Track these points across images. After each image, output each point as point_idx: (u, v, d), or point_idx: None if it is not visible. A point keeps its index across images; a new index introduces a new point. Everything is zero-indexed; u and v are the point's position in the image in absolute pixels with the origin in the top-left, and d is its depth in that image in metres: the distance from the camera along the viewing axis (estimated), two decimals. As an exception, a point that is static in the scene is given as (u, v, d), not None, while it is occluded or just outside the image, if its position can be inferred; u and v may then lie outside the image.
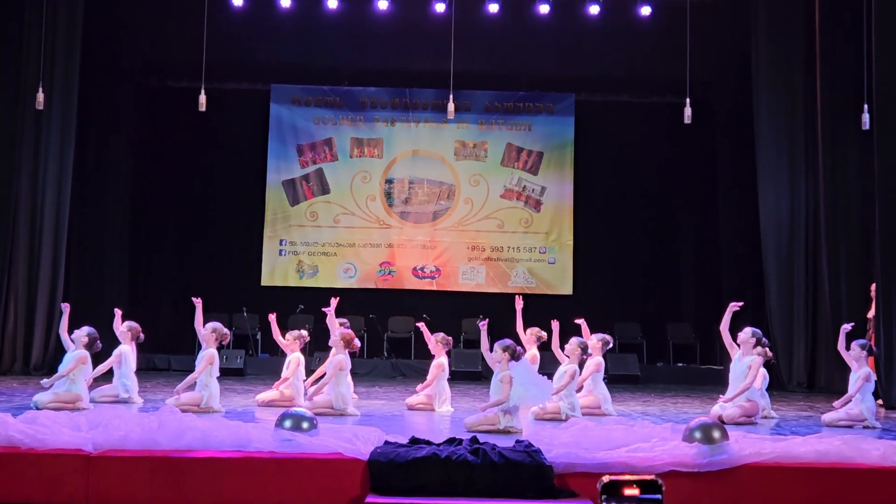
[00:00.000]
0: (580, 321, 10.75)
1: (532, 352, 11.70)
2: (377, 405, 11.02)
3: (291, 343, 10.58)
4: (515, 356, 8.50)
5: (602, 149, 18.19)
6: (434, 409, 10.34)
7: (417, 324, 10.97)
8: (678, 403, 12.13)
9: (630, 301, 17.92)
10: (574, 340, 9.86)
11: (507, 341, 8.59)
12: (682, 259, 18.36)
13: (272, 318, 11.13)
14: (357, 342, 9.91)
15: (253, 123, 18.15)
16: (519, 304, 10.51)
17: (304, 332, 10.84)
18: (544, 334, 11.75)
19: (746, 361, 9.38)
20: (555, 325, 10.54)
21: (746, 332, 9.41)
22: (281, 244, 18.10)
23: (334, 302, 10.99)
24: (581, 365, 9.95)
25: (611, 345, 10.58)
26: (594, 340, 10.31)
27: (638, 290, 18.05)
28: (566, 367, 9.76)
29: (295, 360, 10.47)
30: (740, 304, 9.50)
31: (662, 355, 17.40)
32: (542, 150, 18.31)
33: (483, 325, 8.85)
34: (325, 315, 10.50)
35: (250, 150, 18.20)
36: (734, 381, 9.35)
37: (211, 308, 17.48)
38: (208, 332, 9.72)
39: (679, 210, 18.32)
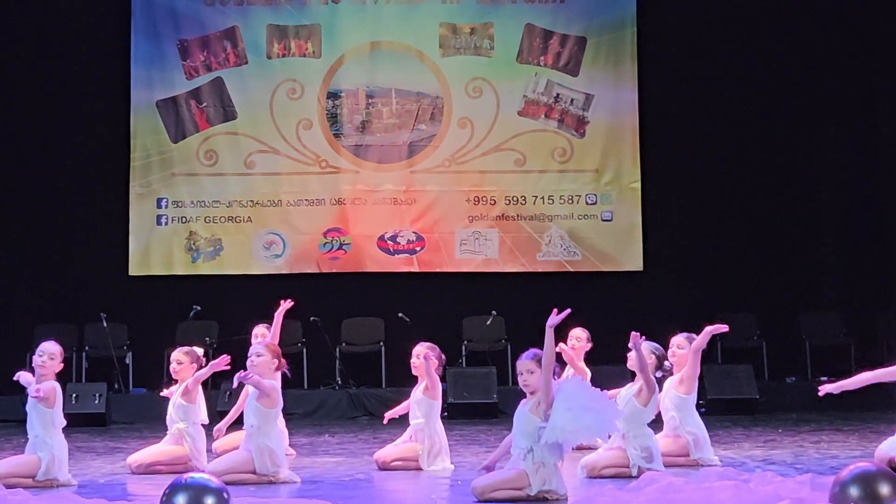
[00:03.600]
0: (638, 340, 10.53)
1: (578, 365, 11.76)
2: (328, 464, 10.98)
3: (184, 367, 10.58)
4: (556, 372, 8.55)
5: (685, 29, 18.14)
6: (421, 467, 10.35)
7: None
8: (822, 442, 12.11)
9: (740, 280, 17.94)
10: (645, 346, 9.89)
11: (537, 351, 8.59)
12: (824, 213, 18.39)
13: (285, 306, 11.41)
14: (284, 362, 9.90)
15: (106, 7, 18.09)
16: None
17: (200, 351, 10.81)
18: (586, 338, 11.89)
19: None
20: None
21: None
22: (159, 206, 18.05)
23: (286, 305, 10.96)
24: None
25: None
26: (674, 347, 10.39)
27: (752, 262, 18.07)
28: (635, 388, 9.79)
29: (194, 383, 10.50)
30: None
31: (794, 366, 17.47)
32: (583, 33, 18.25)
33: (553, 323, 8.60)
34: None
35: (101, 54, 18.11)
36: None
37: (45, 316, 17.71)
38: (56, 358, 9.70)
39: (815, 130, 18.29)
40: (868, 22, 17.81)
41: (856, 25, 17.91)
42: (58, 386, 9.62)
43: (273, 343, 10.36)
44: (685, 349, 10.32)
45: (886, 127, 17.61)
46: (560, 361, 9.22)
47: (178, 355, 10.69)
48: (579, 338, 11.95)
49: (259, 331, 12.03)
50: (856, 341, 17.29)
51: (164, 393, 10.88)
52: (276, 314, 11.36)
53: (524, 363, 8.50)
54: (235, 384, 10.32)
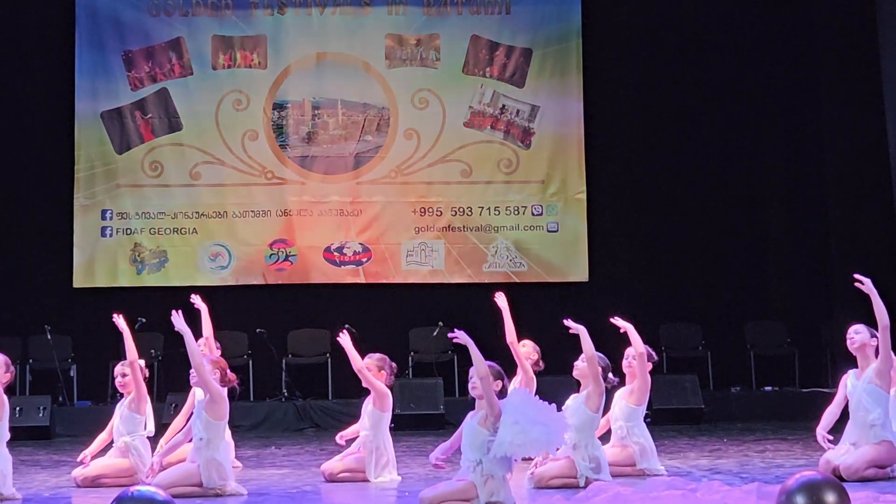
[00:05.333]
0: (620, 323, 10.73)
1: (527, 374, 11.80)
2: (275, 476, 10.98)
3: (128, 379, 10.55)
4: (502, 378, 8.57)
5: (630, 40, 18.24)
6: (368, 479, 10.35)
7: (338, 336, 10.97)
8: (767, 451, 12.21)
9: (684, 290, 18.05)
10: (587, 351, 9.92)
11: (492, 364, 8.62)
12: (769, 224, 18.52)
13: (200, 305, 11.31)
14: (232, 375, 9.89)
15: (49, 17, 18.01)
16: (501, 300, 10.53)
17: (142, 362, 10.81)
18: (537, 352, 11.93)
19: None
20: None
21: None
22: (104, 218, 17.96)
23: (199, 304, 10.99)
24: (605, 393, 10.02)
25: (654, 361, 10.65)
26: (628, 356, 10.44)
27: (697, 272, 18.17)
28: (583, 395, 9.83)
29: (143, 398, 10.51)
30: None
31: (739, 375, 17.58)
32: (529, 45, 18.31)
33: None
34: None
35: (45, 64, 18.04)
36: None
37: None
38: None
39: (761, 140, 18.43)
40: (813, 32, 17.93)
41: (801, 35, 18.03)
42: (4, 398, 9.56)
43: (219, 358, 10.27)
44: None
45: (832, 136, 17.71)
46: (510, 367, 9.21)
47: (122, 368, 10.68)
48: (528, 354, 11.97)
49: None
50: (800, 351, 17.41)
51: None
52: (201, 317, 11.30)
53: (474, 377, 8.53)
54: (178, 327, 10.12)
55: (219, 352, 11.30)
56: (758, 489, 6.98)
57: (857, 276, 9.71)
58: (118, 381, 10.70)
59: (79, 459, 10.60)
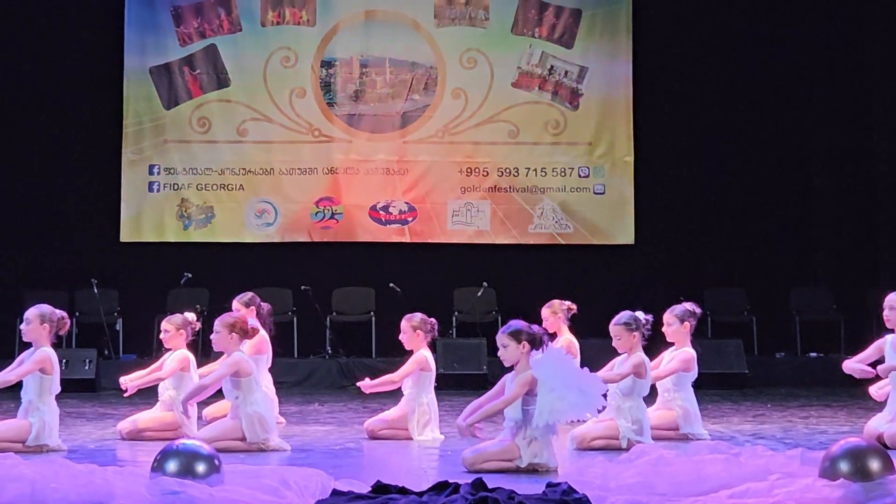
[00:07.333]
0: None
1: (566, 337, 11.75)
2: (318, 433, 11.02)
3: (172, 335, 10.60)
4: (537, 343, 8.51)
5: (683, 4, 18.12)
6: (411, 437, 10.38)
7: (359, 383, 10.96)
8: (811, 417, 12.18)
9: (730, 254, 18.00)
10: (624, 315, 9.89)
11: (519, 323, 8.59)
12: (816, 189, 18.43)
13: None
14: (252, 325, 9.92)
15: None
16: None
17: (191, 316, 10.83)
18: (574, 306, 11.84)
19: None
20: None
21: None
22: (151, 173, 18.04)
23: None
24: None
25: (696, 318, 10.57)
26: (670, 315, 10.38)
27: (743, 237, 18.11)
28: (627, 360, 9.80)
29: (177, 359, 10.50)
30: None
31: (784, 341, 17.53)
32: (579, 5, 18.23)
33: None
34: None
35: (94, 19, 18.07)
36: None
37: (38, 282, 17.68)
38: (33, 320, 9.69)
39: (809, 106, 18.30)
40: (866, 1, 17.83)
41: (850, 2, 17.89)
42: (52, 353, 9.61)
43: (231, 316, 10.14)
44: (673, 325, 10.34)
45: (880, 102, 17.62)
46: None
47: (165, 324, 10.74)
48: (566, 309, 11.95)
49: (236, 305, 11.90)
50: (846, 317, 17.32)
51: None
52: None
53: (499, 337, 8.61)
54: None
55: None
56: (801, 455, 6.94)
57: None
58: (162, 336, 10.74)
59: (122, 384, 10.64)
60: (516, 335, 8.47)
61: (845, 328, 17.28)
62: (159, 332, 11.05)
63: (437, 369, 11.09)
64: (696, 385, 10.53)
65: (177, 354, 10.53)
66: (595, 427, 9.67)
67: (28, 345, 9.66)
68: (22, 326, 9.71)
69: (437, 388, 10.88)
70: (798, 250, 18.22)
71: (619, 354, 9.92)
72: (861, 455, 6.38)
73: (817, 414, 12.50)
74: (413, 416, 10.46)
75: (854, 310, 17.11)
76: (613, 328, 9.81)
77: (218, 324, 9.82)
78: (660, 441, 9.58)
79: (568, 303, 11.97)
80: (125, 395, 10.63)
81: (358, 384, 11.01)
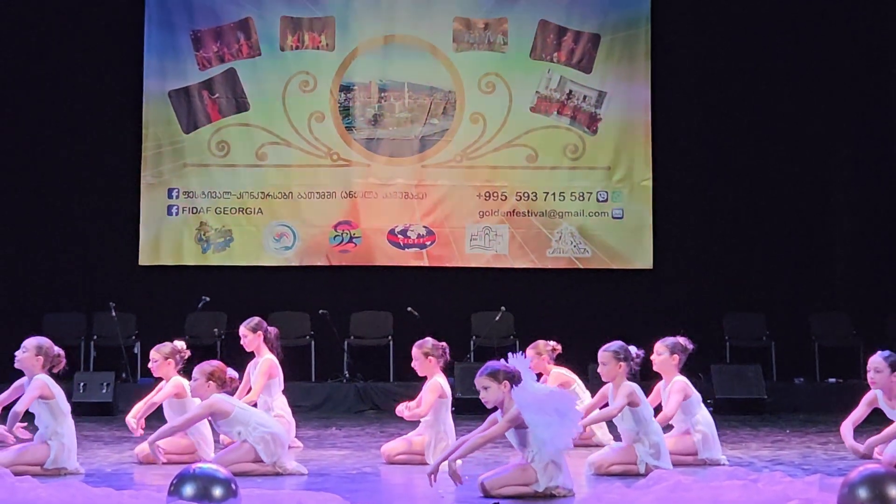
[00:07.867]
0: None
1: (555, 372, 11.91)
2: (335, 457, 11.02)
3: (160, 364, 10.76)
4: (516, 380, 8.45)
5: (699, 26, 18.13)
6: (427, 462, 10.35)
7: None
8: (829, 443, 12.12)
9: (750, 280, 17.96)
10: (615, 343, 9.88)
11: (495, 364, 8.55)
12: (836, 214, 18.39)
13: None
14: (229, 375, 9.84)
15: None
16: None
17: (181, 345, 10.93)
18: (559, 347, 11.92)
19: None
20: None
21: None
22: (170, 196, 18.08)
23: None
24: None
25: (686, 354, 10.52)
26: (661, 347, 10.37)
27: (762, 262, 18.08)
28: (618, 394, 9.77)
29: (172, 385, 10.63)
30: None
31: (803, 366, 17.47)
32: (597, 30, 18.24)
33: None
34: (245, 314, 10.47)
35: (114, 43, 18.13)
36: None
37: (57, 305, 17.75)
38: (30, 349, 9.71)
39: (830, 129, 18.28)
40: (885, 22, 17.77)
41: (872, 24, 17.89)
42: (45, 378, 9.62)
43: (210, 364, 10.04)
44: (663, 356, 10.30)
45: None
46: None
47: (153, 353, 10.96)
48: (550, 349, 12.01)
49: (243, 330, 11.95)
50: (865, 343, 17.23)
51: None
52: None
53: (478, 381, 8.59)
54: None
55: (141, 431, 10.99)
56: (820, 481, 6.91)
57: None
58: (150, 364, 10.95)
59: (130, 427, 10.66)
60: (495, 375, 8.49)
61: (865, 354, 17.19)
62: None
63: (455, 394, 11.12)
64: (715, 409, 10.51)
65: (172, 381, 10.68)
66: (612, 452, 9.67)
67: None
68: (18, 353, 9.74)
69: (455, 413, 10.88)
70: (818, 275, 18.18)
71: (605, 382, 9.93)
72: (880, 481, 6.35)
73: (836, 440, 12.39)
74: (431, 441, 10.45)
75: (874, 335, 17.00)
76: (602, 354, 9.83)
77: (196, 371, 9.82)
78: (678, 467, 9.57)
79: (553, 343, 12.06)
80: (137, 434, 10.64)
81: (397, 412, 10.90)
